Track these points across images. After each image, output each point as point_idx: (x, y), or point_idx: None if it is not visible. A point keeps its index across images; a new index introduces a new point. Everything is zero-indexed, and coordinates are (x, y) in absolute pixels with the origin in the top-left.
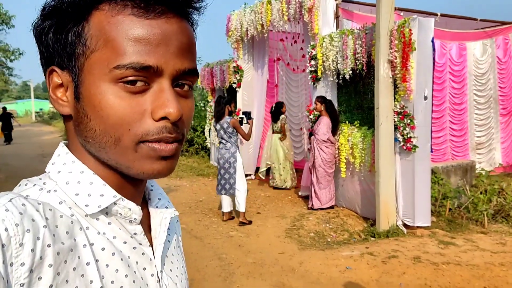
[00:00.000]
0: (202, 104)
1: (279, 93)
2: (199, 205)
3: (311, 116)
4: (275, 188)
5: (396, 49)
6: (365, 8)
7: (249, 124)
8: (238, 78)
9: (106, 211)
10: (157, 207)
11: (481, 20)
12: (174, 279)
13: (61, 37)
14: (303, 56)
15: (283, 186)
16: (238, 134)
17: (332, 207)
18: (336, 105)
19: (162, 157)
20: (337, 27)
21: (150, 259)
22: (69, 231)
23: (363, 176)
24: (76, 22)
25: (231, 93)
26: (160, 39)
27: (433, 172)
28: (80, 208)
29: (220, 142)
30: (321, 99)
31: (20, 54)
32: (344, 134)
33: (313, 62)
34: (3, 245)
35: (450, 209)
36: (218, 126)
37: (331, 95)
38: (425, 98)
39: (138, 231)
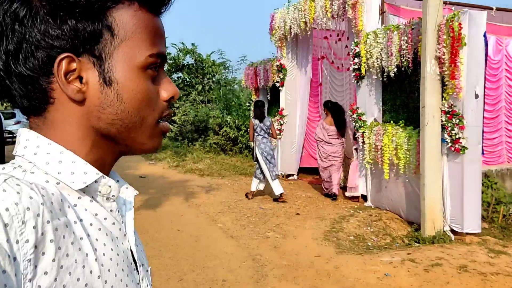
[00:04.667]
0: (247, 104)
1: (322, 92)
2: (238, 205)
3: (355, 116)
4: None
5: (445, 45)
6: (413, 3)
7: None
8: (281, 77)
9: (86, 189)
10: None
11: None
12: (140, 253)
13: (81, 26)
14: (348, 54)
15: None
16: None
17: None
18: (380, 104)
19: (163, 133)
20: (383, 23)
21: (125, 235)
22: (61, 208)
23: (407, 178)
24: (100, 13)
25: (274, 92)
26: (164, 34)
27: (486, 175)
28: (67, 186)
29: (260, 136)
30: (327, 104)
31: None
32: (388, 134)
33: (356, 60)
34: (5, 225)
35: (504, 216)
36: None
37: (375, 93)
38: (476, 96)
39: (114, 208)
